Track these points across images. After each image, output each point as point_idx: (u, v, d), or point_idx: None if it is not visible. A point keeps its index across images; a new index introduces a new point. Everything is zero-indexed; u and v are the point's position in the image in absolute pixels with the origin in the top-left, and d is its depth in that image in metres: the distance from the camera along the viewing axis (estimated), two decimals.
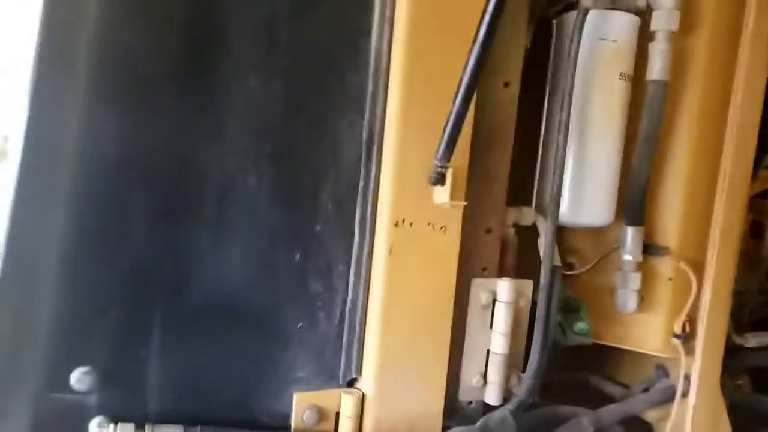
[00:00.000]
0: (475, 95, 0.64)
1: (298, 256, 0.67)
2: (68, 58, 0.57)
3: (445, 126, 0.65)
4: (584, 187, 0.82)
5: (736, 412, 0.96)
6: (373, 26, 0.66)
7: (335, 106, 0.66)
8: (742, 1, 0.85)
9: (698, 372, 0.90)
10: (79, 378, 0.60)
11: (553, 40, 0.84)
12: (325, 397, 0.69)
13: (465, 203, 0.69)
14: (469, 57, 0.62)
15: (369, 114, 0.67)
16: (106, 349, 0.61)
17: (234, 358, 0.66)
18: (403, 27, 0.66)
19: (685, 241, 0.88)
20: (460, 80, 0.63)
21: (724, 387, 0.93)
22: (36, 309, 0.59)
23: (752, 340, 0.99)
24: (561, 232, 0.87)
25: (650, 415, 0.96)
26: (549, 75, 0.83)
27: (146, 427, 0.62)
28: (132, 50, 0.59)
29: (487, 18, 0.60)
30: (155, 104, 0.60)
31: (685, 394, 0.91)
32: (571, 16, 0.78)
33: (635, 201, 0.85)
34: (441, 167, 0.66)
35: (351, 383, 0.71)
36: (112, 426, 0.61)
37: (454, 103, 0.64)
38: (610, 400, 0.96)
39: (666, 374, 0.96)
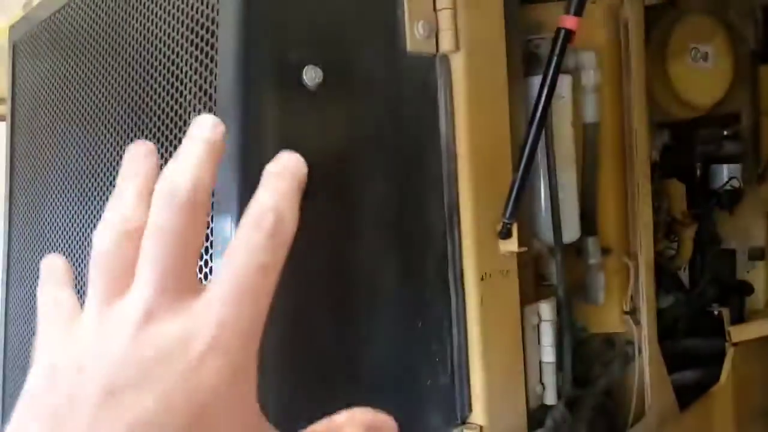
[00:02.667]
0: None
1: (420, 324, 0.76)
2: None
3: (511, 190, 0.80)
4: (562, 213, 1.02)
5: None
6: (440, 121, 0.79)
7: (428, 190, 0.77)
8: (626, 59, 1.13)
9: (646, 336, 1.17)
10: None
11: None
12: None
13: (527, 248, 0.85)
14: (527, 136, 0.78)
15: (447, 191, 0.80)
16: None
17: None
18: (461, 116, 0.80)
19: (619, 240, 1.14)
20: (521, 153, 0.79)
21: None
22: None
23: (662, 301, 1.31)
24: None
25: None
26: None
27: None
28: None
29: (541, 104, 0.77)
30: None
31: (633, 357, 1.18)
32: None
33: (590, 216, 1.09)
34: (509, 223, 0.81)
35: (464, 420, 0.83)
36: None
37: (517, 170, 0.80)
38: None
39: (613, 345, 1.23)
